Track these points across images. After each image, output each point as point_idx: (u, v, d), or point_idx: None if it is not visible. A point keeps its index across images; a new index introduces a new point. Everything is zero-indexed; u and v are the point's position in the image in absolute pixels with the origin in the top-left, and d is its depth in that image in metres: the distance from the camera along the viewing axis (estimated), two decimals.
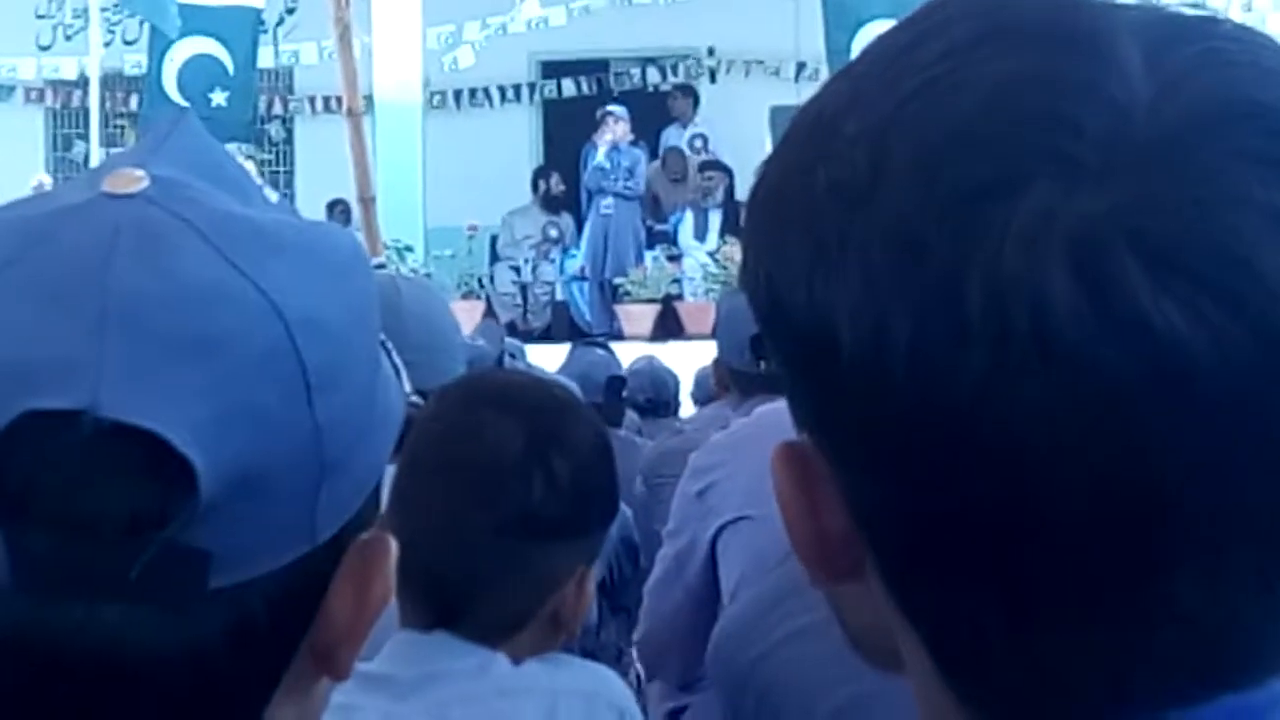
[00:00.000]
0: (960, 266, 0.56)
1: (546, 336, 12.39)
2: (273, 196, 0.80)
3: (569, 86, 16.47)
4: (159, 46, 12.98)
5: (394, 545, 0.79)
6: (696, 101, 15.61)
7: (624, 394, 6.21)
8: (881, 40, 0.63)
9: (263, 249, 0.73)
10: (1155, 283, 0.54)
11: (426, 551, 1.79)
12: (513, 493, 1.81)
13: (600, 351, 6.39)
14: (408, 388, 0.84)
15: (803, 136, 0.63)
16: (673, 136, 15.39)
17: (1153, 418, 0.55)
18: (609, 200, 14.08)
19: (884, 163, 0.58)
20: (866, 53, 0.63)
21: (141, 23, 13.84)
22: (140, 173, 0.73)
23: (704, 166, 14.27)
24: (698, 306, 12.34)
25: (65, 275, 0.70)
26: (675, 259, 13.72)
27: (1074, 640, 0.59)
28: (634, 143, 14.43)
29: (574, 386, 4.00)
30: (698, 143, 15.09)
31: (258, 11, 13.52)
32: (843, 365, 0.58)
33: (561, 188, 14.94)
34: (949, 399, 0.56)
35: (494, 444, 1.82)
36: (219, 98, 13.30)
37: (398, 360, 0.83)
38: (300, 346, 0.71)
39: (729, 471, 3.00)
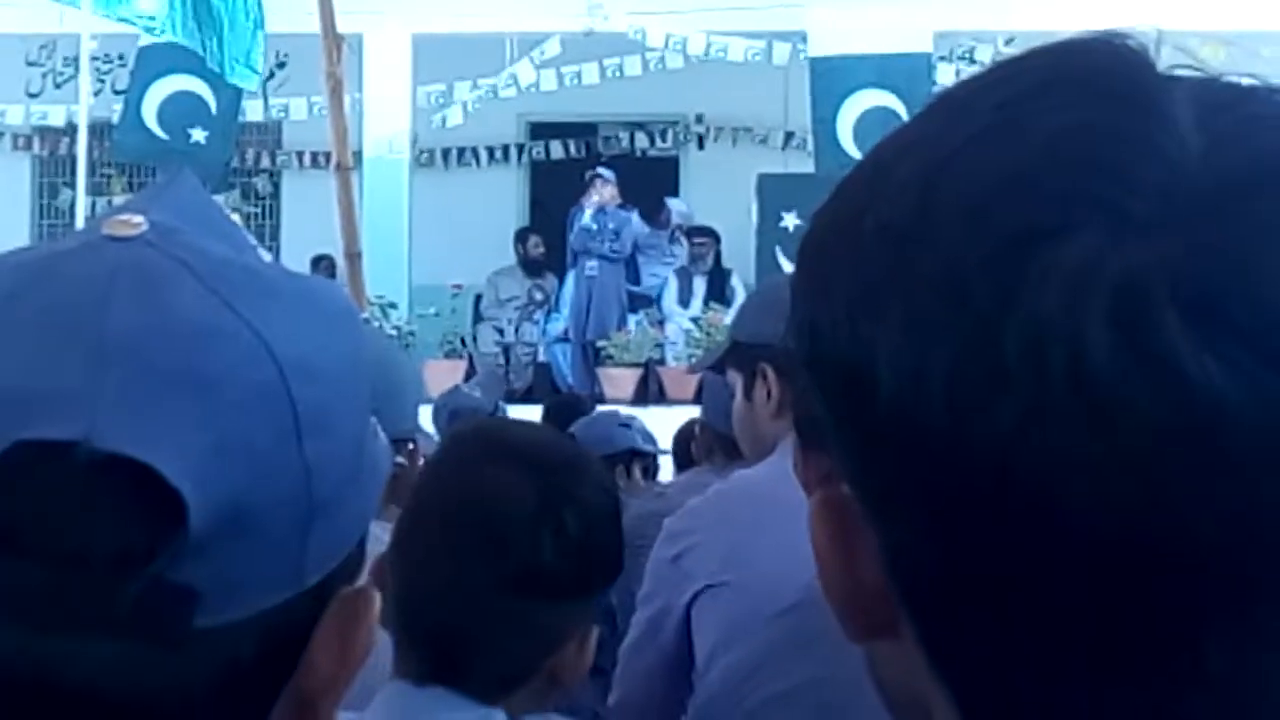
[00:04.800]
0: (1001, 309, 0.56)
1: (528, 398, 12.36)
2: (266, 257, 0.81)
3: (557, 149, 16.50)
4: (143, 78, 13.05)
5: (378, 599, 0.80)
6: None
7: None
8: (944, 94, 0.64)
9: (257, 292, 0.74)
10: (1194, 334, 0.54)
11: (428, 603, 1.77)
12: (521, 549, 1.77)
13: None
14: (385, 442, 0.85)
15: (857, 184, 0.63)
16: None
17: (1185, 469, 0.54)
18: (594, 262, 14.08)
19: (932, 205, 0.58)
20: (930, 106, 0.64)
21: (132, 72, 13.90)
22: (139, 218, 0.75)
23: (694, 232, 14.28)
24: (680, 371, 12.33)
25: (65, 311, 0.71)
26: (658, 323, 13.72)
27: (1102, 701, 0.58)
28: (621, 206, 14.46)
29: None
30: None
31: None
32: (880, 408, 0.58)
33: (540, 250, 14.94)
34: (983, 443, 0.56)
35: (504, 498, 1.78)
36: (198, 135, 13.38)
37: (379, 428, 0.84)
38: (292, 388, 0.72)
39: (705, 537, 2.98)
